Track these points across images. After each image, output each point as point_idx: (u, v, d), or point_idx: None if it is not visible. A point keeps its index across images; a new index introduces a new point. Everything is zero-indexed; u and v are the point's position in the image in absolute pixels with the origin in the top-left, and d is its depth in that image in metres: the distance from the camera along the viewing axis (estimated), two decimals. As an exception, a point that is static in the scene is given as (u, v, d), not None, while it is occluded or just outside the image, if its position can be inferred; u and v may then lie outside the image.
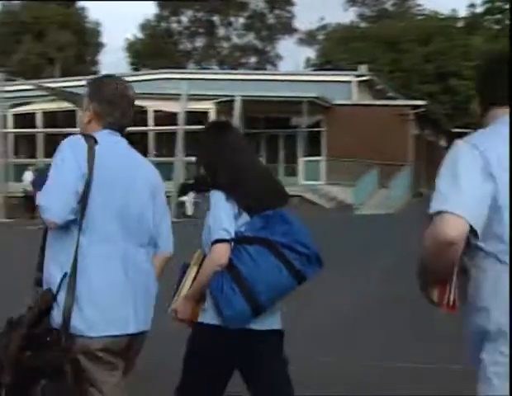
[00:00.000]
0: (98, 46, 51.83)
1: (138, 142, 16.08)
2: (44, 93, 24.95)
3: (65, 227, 2.39)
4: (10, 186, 22.91)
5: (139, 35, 52.81)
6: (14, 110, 26.31)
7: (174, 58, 48.71)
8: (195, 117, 21.56)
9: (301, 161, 26.91)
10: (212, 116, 24.93)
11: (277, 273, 2.64)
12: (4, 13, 48.70)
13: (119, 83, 2.61)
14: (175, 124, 22.06)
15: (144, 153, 2.83)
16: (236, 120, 21.92)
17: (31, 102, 26.67)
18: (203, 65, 53.03)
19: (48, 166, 2.52)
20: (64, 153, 2.44)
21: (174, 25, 54.24)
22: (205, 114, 24.35)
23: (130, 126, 2.66)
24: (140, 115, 21.63)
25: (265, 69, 49.81)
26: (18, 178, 23.44)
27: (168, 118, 23.36)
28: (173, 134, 22.07)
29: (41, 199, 2.38)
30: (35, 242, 2.67)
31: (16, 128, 27.19)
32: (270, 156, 27.03)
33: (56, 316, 2.37)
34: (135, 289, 2.49)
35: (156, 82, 27.28)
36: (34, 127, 27.20)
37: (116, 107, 2.55)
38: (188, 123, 20.97)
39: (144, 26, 52.82)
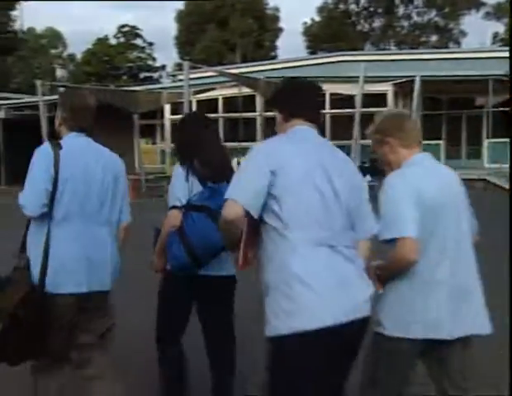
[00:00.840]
0: (277, 31, 52.74)
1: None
2: (225, 79, 25.81)
3: (39, 217, 3.13)
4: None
5: (317, 19, 52.89)
6: (197, 96, 27.54)
7: (351, 41, 48.13)
8: (372, 100, 21.07)
9: (486, 143, 25.37)
10: (390, 98, 24.26)
11: (212, 233, 3.19)
12: (190, 4, 51.14)
13: (80, 95, 3.40)
14: (352, 107, 21.80)
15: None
16: (415, 101, 21.14)
17: (213, 88, 27.75)
18: (381, 46, 51.85)
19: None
20: (35, 159, 3.18)
21: (352, 6, 53.59)
22: (382, 96, 23.76)
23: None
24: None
25: (447, 48, 47.51)
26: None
27: (344, 101, 23.12)
28: (350, 116, 21.82)
29: (20, 199, 3.13)
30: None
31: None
32: (451, 138, 25.82)
33: (35, 279, 3.11)
34: (88, 255, 3.19)
35: (333, 65, 27.11)
36: (215, 112, 28.33)
37: (77, 114, 3.30)
38: (365, 105, 20.60)
39: (322, 9, 52.79)
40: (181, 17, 54.90)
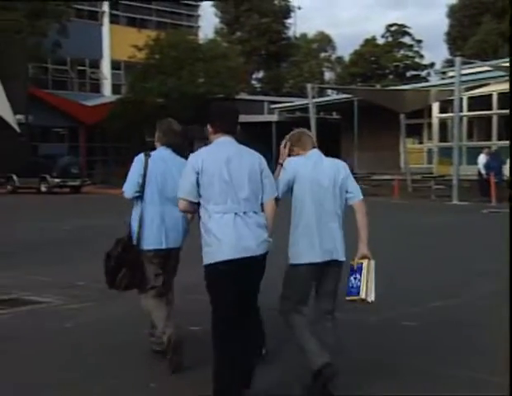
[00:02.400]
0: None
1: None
2: (501, 74, 24.07)
3: (135, 199, 4.87)
4: (463, 168, 22.85)
5: None
6: (469, 93, 26.14)
7: None
8: None
9: None
10: None
11: None
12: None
13: (167, 122, 5.11)
14: None
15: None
16: None
17: (487, 84, 26.10)
18: None
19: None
20: (134, 163, 4.90)
21: None
22: None
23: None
24: None
25: None
26: (472, 161, 23.23)
27: None
28: None
29: (123, 186, 4.88)
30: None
31: (470, 111, 27.03)
32: None
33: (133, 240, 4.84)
34: (165, 224, 4.81)
35: None
36: (489, 109, 26.60)
37: (165, 136, 5.03)
38: None
39: None
40: (453, 12, 52.87)
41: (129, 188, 4.82)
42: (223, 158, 3.95)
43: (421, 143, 31.38)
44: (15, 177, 29.50)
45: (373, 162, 29.44)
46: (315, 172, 4.22)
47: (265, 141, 28.81)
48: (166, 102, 31.99)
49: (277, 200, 4.11)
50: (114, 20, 39.28)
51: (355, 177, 4.59)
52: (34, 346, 5.36)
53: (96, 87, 39.21)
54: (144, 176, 4.79)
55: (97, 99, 37.15)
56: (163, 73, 32.41)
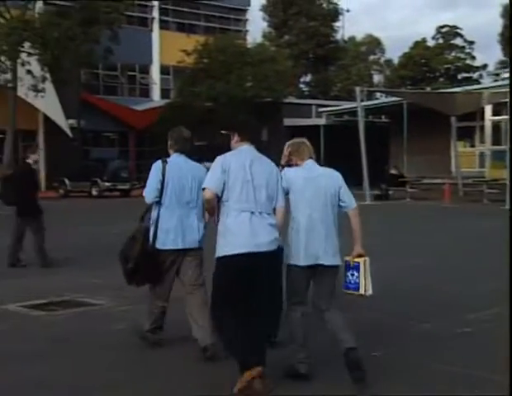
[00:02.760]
0: None
1: None
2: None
3: (154, 203, 5.20)
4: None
5: None
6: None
7: None
8: None
9: None
10: None
11: None
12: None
13: (179, 131, 5.46)
14: None
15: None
16: None
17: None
18: None
19: None
20: (152, 170, 5.26)
21: None
22: None
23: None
24: None
25: None
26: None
27: None
28: None
29: (144, 192, 5.25)
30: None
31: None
32: None
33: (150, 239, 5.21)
34: (182, 227, 5.15)
35: None
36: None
37: (178, 143, 5.38)
38: None
39: None
40: (507, 11, 51.75)
41: (149, 193, 5.20)
42: (247, 162, 4.51)
43: (473, 146, 30.74)
44: (67, 181, 30.12)
45: (423, 165, 28.98)
46: (308, 183, 4.66)
47: (313, 144, 28.66)
48: (214, 106, 32.21)
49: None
50: (163, 25, 39.78)
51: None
52: (86, 347, 5.44)
53: (145, 92, 39.74)
54: (163, 181, 5.16)
55: (147, 104, 37.67)
56: (211, 77, 32.64)
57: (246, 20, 44.35)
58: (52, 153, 31.90)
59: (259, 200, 4.42)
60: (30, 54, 27.15)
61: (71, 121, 32.82)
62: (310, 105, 39.63)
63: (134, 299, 6.71)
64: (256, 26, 50.62)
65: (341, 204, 4.68)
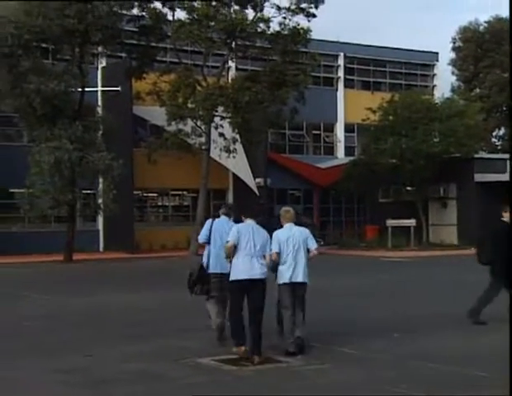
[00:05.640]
0: None
1: None
2: None
3: (205, 244, 9.30)
4: None
5: None
6: None
7: None
8: None
9: None
10: None
11: None
12: None
13: (227, 205, 11.41)
14: None
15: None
16: None
17: None
18: None
19: None
20: (205, 223, 9.51)
21: None
22: None
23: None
24: None
25: None
26: None
27: None
28: None
29: (199, 236, 9.56)
30: None
31: None
32: None
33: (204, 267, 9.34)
34: (220, 260, 8.98)
35: None
36: None
37: (223, 209, 9.63)
38: None
39: None
40: None
41: (202, 238, 9.19)
42: (250, 229, 8.38)
43: None
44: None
45: None
46: (290, 237, 8.63)
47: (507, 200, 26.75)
48: (399, 163, 31.58)
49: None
50: (348, 84, 40.18)
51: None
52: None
53: (329, 150, 40.08)
54: (210, 230, 9.06)
55: (331, 161, 37.99)
56: (396, 134, 32.14)
57: (434, 74, 43.40)
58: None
59: (256, 249, 8.28)
60: (222, 118, 28.77)
61: (258, 180, 33.94)
62: (505, 159, 37.37)
63: (322, 359, 8.05)
64: (444, 81, 49.32)
65: (308, 246, 8.71)
